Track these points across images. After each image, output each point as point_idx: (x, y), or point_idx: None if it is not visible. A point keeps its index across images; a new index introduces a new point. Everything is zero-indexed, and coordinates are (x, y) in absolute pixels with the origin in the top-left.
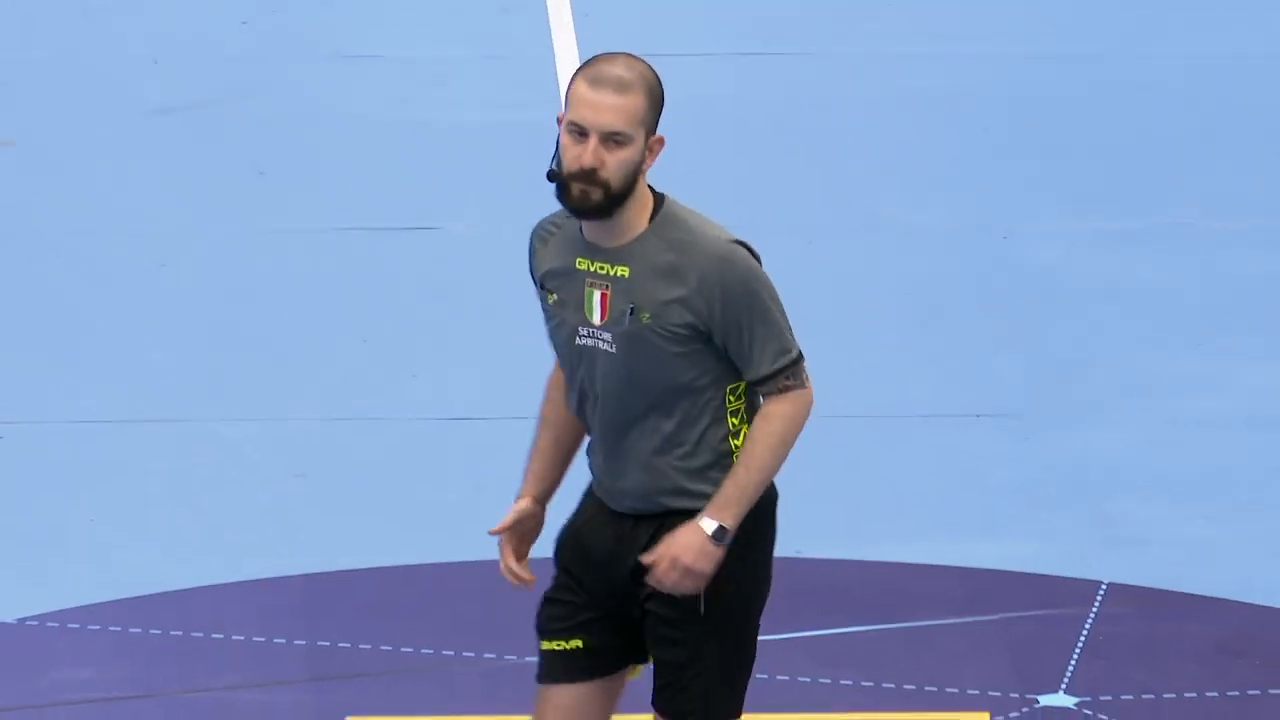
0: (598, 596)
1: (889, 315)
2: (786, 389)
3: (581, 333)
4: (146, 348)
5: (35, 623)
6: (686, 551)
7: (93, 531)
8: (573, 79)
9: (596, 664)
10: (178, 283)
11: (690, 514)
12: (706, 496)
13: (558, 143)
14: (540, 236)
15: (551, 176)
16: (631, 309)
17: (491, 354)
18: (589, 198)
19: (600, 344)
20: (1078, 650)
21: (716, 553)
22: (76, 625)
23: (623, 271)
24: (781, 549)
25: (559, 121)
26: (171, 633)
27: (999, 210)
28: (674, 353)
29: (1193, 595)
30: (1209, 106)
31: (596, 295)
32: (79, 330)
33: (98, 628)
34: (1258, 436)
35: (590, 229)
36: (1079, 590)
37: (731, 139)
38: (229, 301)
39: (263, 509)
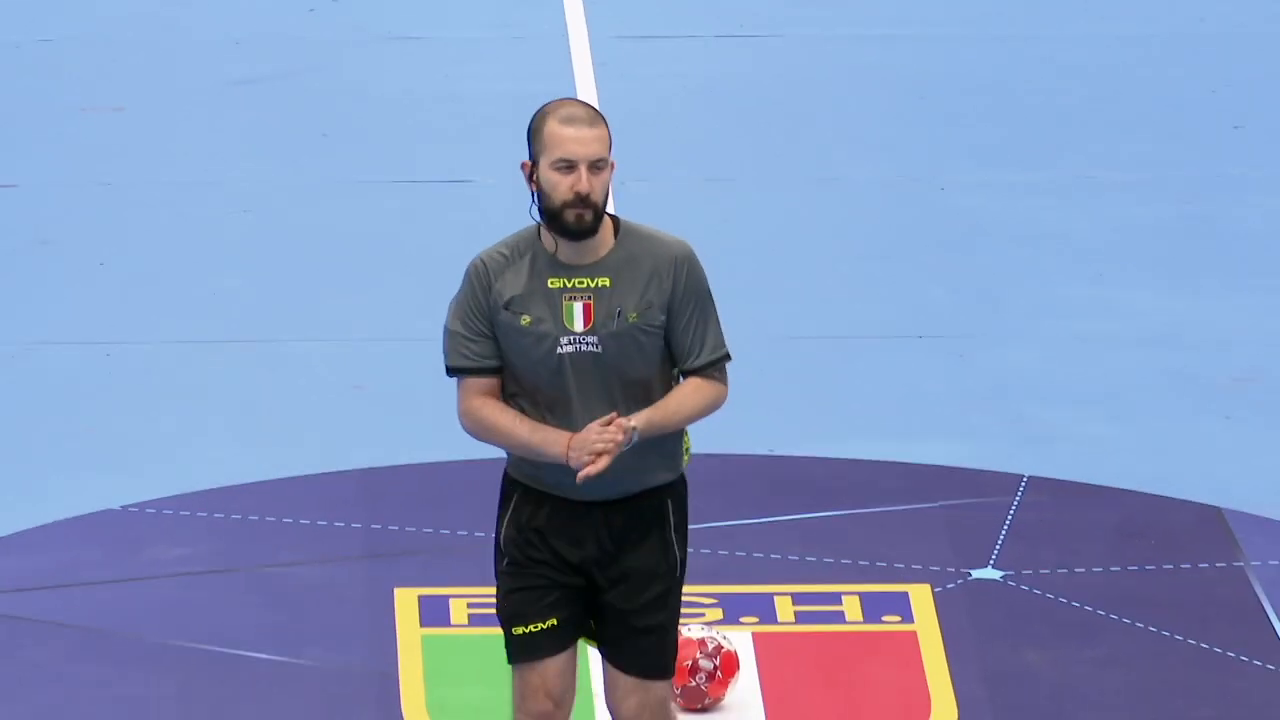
0: (562, 579)
1: (843, 253)
2: (713, 378)
3: (564, 342)
4: (231, 281)
5: (136, 510)
6: (605, 432)
7: (184, 435)
8: (540, 126)
9: (568, 636)
10: (257, 226)
11: (656, 491)
12: (677, 466)
13: (536, 185)
14: (492, 270)
15: (549, 211)
16: (619, 311)
17: None
18: (584, 220)
19: (584, 348)
20: (1003, 532)
21: (625, 437)
22: (170, 512)
23: (604, 282)
24: (755, 449)
25: (529, 168)
26: (249, 518)
27: (934, 166)
28: (650, 346)
29: (1098, 486)
30: (1109, 80)
31: (578, 307)
32: (175, 265)
33: (187, 514)
34: (1147, 352)
35: (569, 251)
36: (1004, 482)
37: (713, 108)
38: (298, 241)
39: (326, 416)
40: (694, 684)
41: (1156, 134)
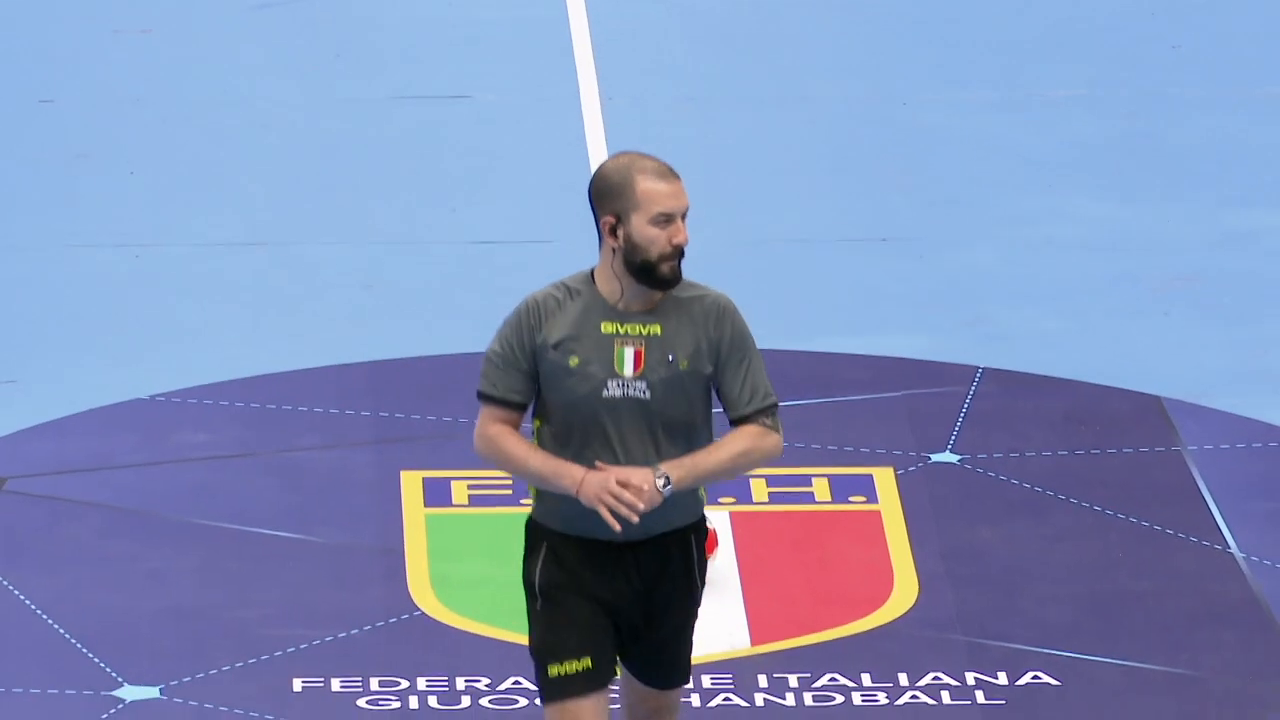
0: (595, 620)
1: (811, 165)
2: (764, 425)
3: (611, 385)
4: (250, 189)
5: (163, 399)
6: (632, 478)
7: (208, 329)
8: (626, 183)
9: (602, 677)
10: (274, 138)
11: (682, 530)
12: (699, 507)
13: (623, 241)
14: (544, 310)
15: (644, 264)
16: (670, 359)
17: (512, 192)
18: (675, 271)
19: (632, 393)
20: (960, 419)
21: (656, 495)
22: (195, 401)
23: (655, 329)
24: None
25: (611, 222)
26: (267, 406)
27: (901, 85)
28: (695, 392)
29: (1047, 376)
30: (1060, 6)
31: (629, 352)
32: (199, 174)
33: (211, 403)
34: (1093, 255)
35: (628, 299)
36: (961, 373)
37: (690, 31)
38: (313, 152)
39: (338, 313)
40: None
41: (1103, 55)
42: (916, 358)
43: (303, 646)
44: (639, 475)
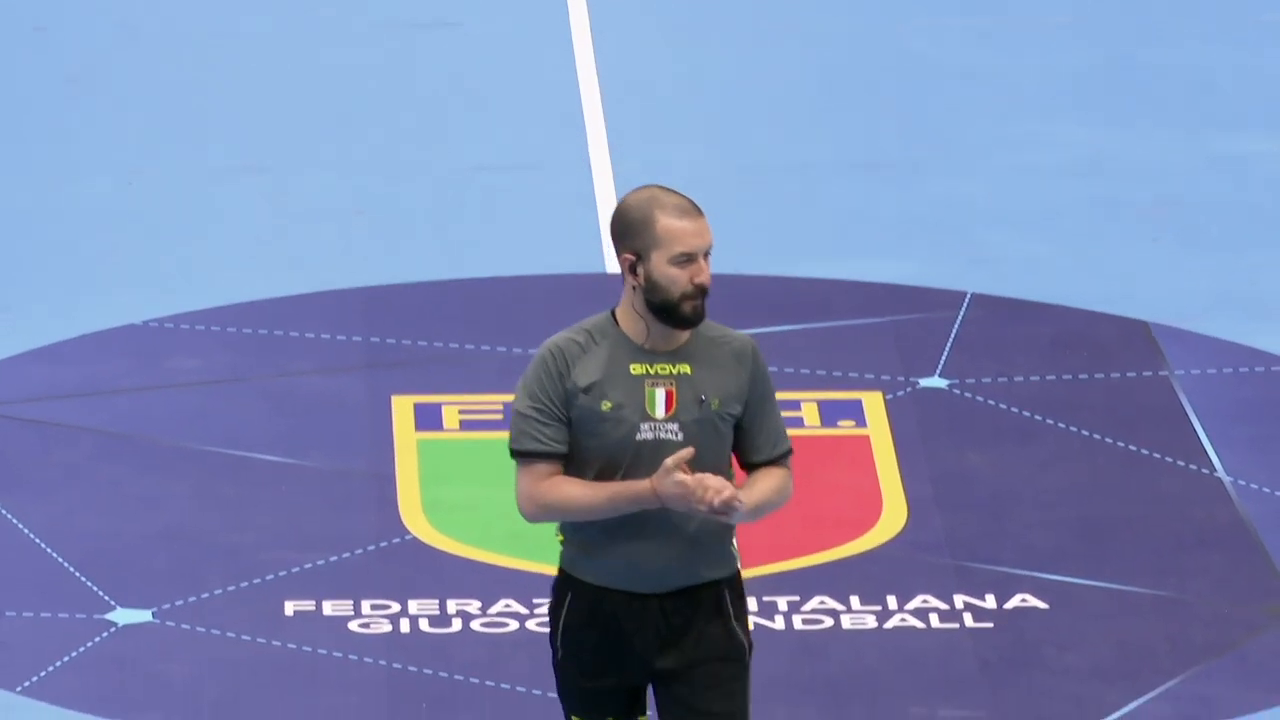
0: (620, 673)
1: (804, 91)
2: (786, 468)
3: (644, 428)
4: (241, 116)
5: (156, 324)
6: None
7: (200, 256)
8: (646, 220)
9: None
10: (264, 67)
11: (717, 584)
12: (733, 562)
13: (643, 279)
14: (569, 355)
15: (665, 304)
16: (703, 399)
17: (502, 119)
18: (698, 310)
19: (664, 435)
20: (948, 344)
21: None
22: (187, 326)
23: (685, 369)
24: (719, 269)
25: (632, 261)
26: (259, 332)
27: (891, 12)
28: (725, 434)
29: (1035, 302)
30: None
31: (660, 393)
32: (193, 101)
33: (203, 328)
34: (1081, 180)
35: (653, 338)
36: (949, 299)
37: None
38: (303, 81)
39: (330, 239)
40: None
41: None
42: (905, 283)
43: (294, 570)
44: (715, 477)
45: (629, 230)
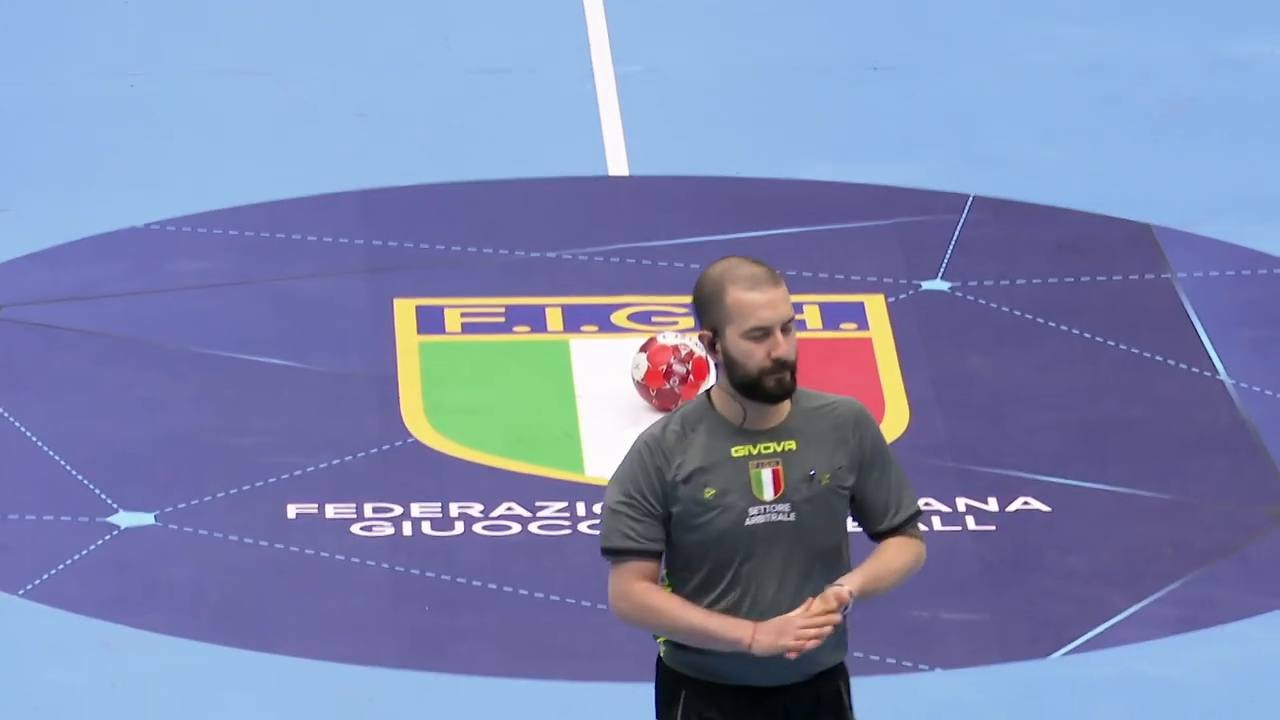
0: None
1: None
2: (913, 535)
3: (753, 513)
4: (243, 17)
5: (158, 227)
6: (819, 606)
7: (202, 158)
8: (719, 294)
9: None
10: None
11: (833, 672)
12: (843, 649)
13: (721, 355)
14: (666, 447)
15: (745, 381)
16: (812, 474)
17: (504, 20)
18: (783, 384)
19: (776, 517)
20: (951, 246)
21: (839, 614)
22: (189, 229)
23: (790, 445)
24: (723, 171)
25: (709, 337)
26: (261, 234)
27: None
28: (839, 509)
29: (1038, 204)
30: None
31: (767, 474)
32: (194, 2)
33: (205, 231)
34: (1084, 81)
35: (753, 416)
36: (952, 201)
37: None
38: None
39: (331, 141)
40: (668, 387)
41: None
42: (908, 186)
43: (296, 473)
44: (827, 602)
45: (704, 305)
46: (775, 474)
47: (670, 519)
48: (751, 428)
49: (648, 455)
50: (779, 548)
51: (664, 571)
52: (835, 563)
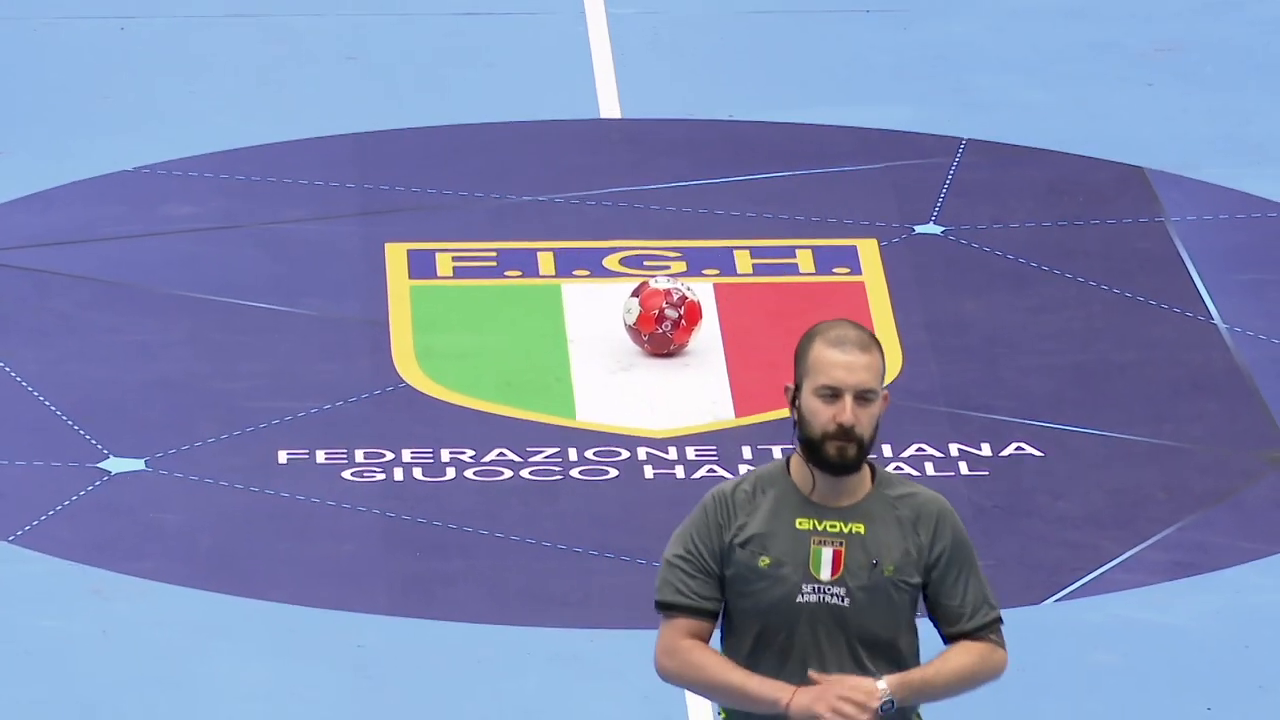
0: None
1: None
2: (989, 641)
3: (806, 590)
4: None
5: (148, 170)
6: (857, 691)
7: (192, 101)
8: (807, 347)
9: None
10: None
11: None
12: None
13: (797, 411)
14: (734, 505)
15: (808, 441)
16: (875, 563)
17: None
18: (845, 454)
19: (829, 598)
20: (944, 190)
21: (872, 713)
22: (180, 173)
23: (858, 528)
24: (716, 114)
25: (791, 391)
26: (252, 178)
27: None
28: (901, 604)
29: (1031, 148)
30: None
31: (827, 553)
32: None
33: (195, 175)
34: (1077, 23)
35: (823, 490)
36: (944, 145)
37: None
38: None
39: (323, 84)
40: (660, 331)
41: None
42: (900, 129)
43: (288, 419)
44: (863, 689)
45: (797, 356)
46: (836, 554)
47: (724, 581)
48: (821, 501)
49: (712, 511)
50: (829, 630)
51: (719, 635)
52: (892, 656)
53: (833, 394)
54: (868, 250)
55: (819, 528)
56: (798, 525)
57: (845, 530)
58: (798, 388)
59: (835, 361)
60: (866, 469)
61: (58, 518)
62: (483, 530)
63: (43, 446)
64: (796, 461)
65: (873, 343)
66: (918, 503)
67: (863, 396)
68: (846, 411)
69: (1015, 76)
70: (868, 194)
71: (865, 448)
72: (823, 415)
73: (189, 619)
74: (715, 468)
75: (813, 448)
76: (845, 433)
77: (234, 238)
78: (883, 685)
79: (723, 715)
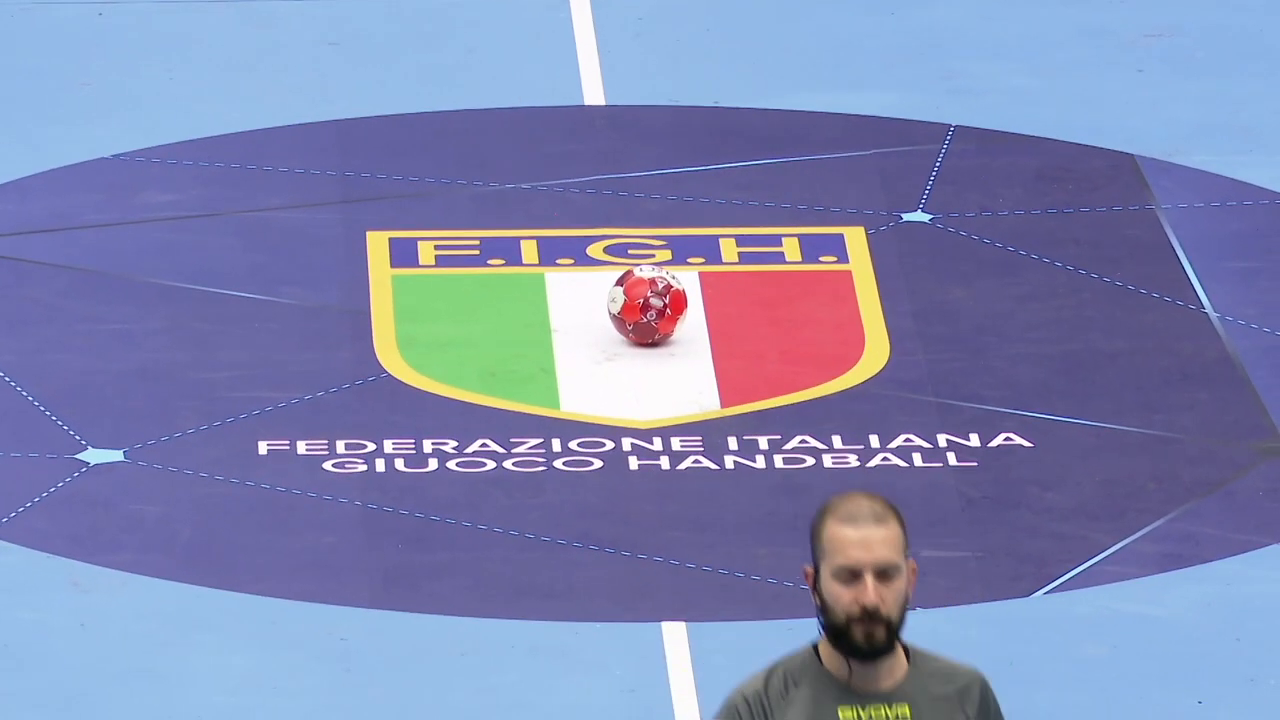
0: None
1: None
2: None
3: None
4: None
5: (127, 158)
6: None
7: (172, 88)
8: (820, 527)
9: None
10: None
11: None
12: None
13: (819, 597)
14: (769, 703)
15: (833, 628)
16: None
17: None
18: (874, 638)
19: None
20: (932, 178)
21: None
22: (159, 160)
23: (904, 711)
24: (701, 101)
25: (810, 577)
26: (232, 165)
27: None
28: None
29: (1020, 134)
30: None
31: None
32: None
33: (175, 162)
34: (1066, 9)
35: (859, 675)
36: (932, 131)
37: None
38: None
39: (303, 70)
40: (645, 320)
41: None
42: (888, 115)
43: (268, 409)
44: None
45: (810, 538)
46: None
47: None
48: (860, 688)
49: (745, 713)
50: None
51: None
52: None
53: (852, 574)
54: (855, 238)
55: (864, 715)
56: (841, 716)
57: (891, 715)
58: (816, 572)
59: (850, 539)
60: (900, 647)
61: (35, 509)
62: (465, 522)
63: (20, 437)
64: (825, 648)
65: (889, 512)
66: (960, 678)
67: (884, 573)
68: (869, 592)
69: (1004, 63)
70: (855, 181)
71: (894, 629)
72: (844, 599)
73: (169, 611)
74: (701, 458)
75: (839, 634)
76: (870, 615)
77: (213, 226)
78: None
79: None
